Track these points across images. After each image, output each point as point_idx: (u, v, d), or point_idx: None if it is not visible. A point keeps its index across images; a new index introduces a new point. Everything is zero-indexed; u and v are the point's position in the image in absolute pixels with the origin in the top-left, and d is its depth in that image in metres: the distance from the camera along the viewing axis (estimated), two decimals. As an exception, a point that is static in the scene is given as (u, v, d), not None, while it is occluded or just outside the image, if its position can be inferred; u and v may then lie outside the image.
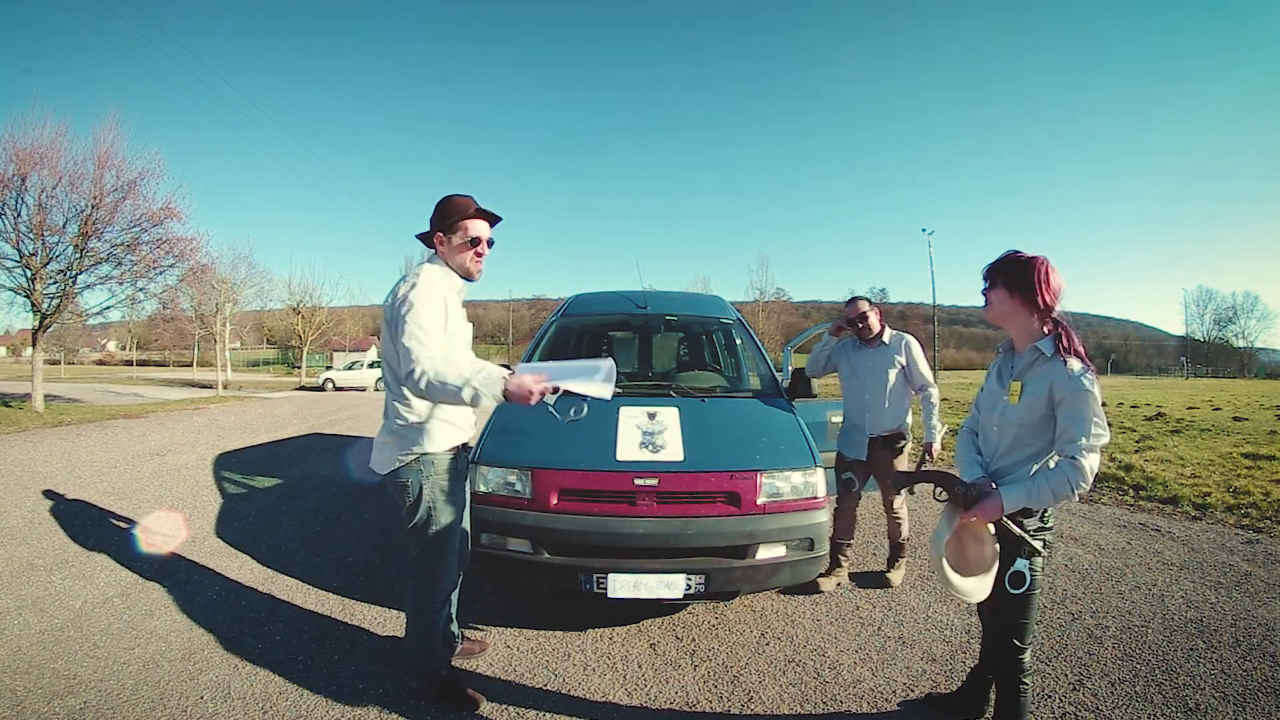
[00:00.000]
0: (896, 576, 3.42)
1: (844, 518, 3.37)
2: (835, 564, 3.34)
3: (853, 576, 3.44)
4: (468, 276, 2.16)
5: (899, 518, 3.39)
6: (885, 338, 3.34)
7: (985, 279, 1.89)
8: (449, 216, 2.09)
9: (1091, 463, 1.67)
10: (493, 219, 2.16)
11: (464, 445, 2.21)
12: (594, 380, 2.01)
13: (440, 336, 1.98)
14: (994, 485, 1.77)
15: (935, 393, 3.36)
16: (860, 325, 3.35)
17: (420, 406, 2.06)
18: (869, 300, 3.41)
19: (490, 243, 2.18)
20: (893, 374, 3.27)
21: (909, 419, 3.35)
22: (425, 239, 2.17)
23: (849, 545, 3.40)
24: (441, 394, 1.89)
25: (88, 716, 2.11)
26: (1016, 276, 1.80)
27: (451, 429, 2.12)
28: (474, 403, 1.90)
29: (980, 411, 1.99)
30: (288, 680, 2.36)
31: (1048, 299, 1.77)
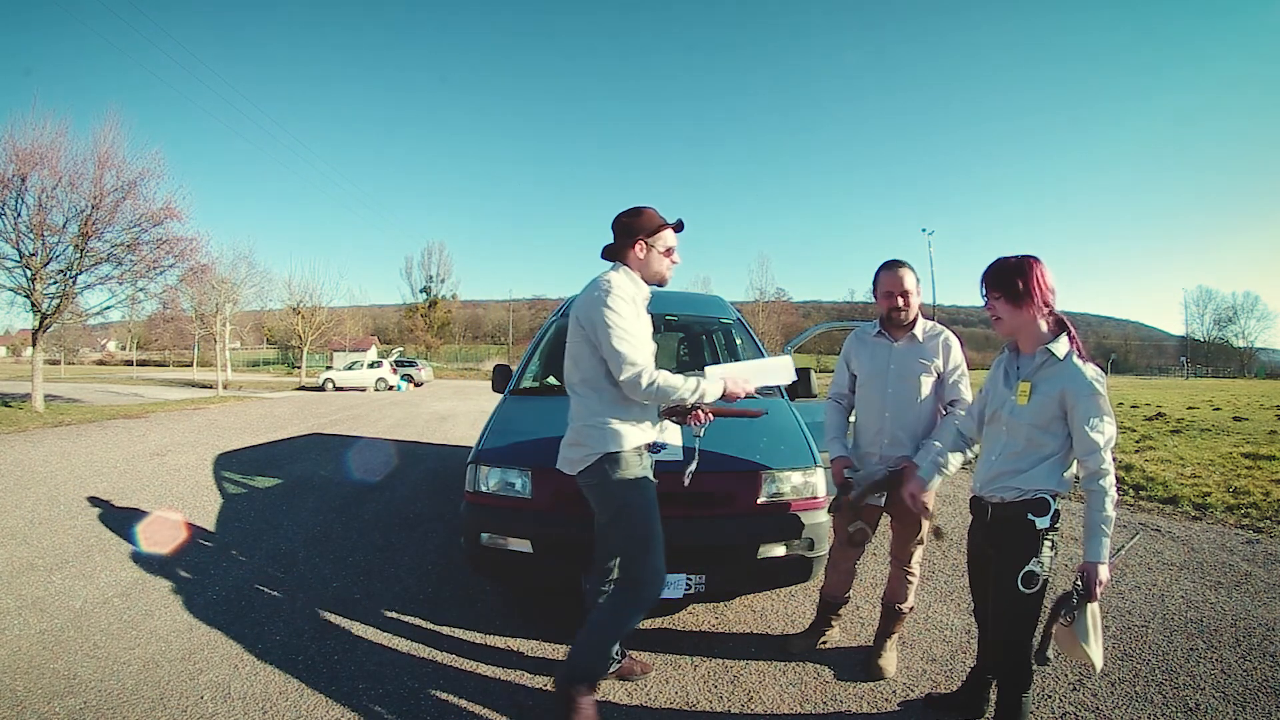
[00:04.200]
0: (890, 662, 2.48)
1: (838, 571, 2.61)
2: (825, 625, 2.68)
3: (833, 653, 2.62)
4: (661, 282, 2.26)
5: (911, 577, 2.47)
6: (918, 330, 2.42)
7: (985, 291, 1.88)
8: (652, 226, 2.18)
9: (1109, 460, 1.72)
10: (680, 228, 2.28)
11: (650, 444, 2.20)
12: (776, 375, 2.36)
13: (643, 339, 2.07)
14: (1090, 563, 1.73)
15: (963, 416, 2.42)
16: (894, 310, 2.40)
17: (608, 408, 2.08)
18: (915, 272, 2.43)
19: None
20: (926, 382, 2.38)
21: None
22: (616, 250, 2.20)
23: (844, 605, 2.67)
24: (661, 394, 2.00)
25: (88, 716, 2.11)
26: (1017, 283, 1.80)
27: (636, 428, 2.12)
28: (699, 399, 2.06)
29: (986, 411, 1.99)
30: (288, 680, 2.36)
31: (1049, 298, 1.80)
